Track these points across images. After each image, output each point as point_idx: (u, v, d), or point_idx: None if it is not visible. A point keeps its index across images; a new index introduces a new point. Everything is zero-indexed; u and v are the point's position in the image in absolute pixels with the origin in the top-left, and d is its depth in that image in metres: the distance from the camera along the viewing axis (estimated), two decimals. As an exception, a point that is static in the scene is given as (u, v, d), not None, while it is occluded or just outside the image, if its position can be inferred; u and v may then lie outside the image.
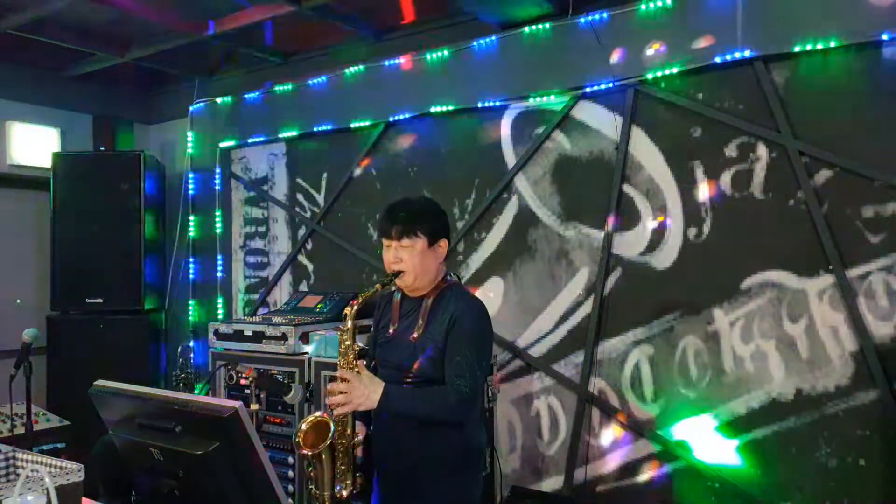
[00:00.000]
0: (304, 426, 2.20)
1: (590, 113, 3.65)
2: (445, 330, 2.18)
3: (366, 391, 2.11)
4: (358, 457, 2.24)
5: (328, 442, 2.16)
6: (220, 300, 5.10)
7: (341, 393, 2.13)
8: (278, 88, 4.75)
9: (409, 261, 2.20)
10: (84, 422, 4.12)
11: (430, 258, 2.24)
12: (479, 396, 2.27)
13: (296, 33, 4.57)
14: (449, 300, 2.24)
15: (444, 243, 2.28)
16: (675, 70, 3.36)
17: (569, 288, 3.69)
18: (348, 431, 2.19)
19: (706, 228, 3.34)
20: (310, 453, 2.16)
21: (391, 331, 2.31)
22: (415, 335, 2.23)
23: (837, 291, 3.01)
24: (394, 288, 2.35)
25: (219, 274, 5.11)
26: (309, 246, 4.71)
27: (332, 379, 2.20)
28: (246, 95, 4.94)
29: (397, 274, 2.21)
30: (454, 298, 2.25)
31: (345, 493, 2.18)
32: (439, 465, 2.22)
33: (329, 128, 4.53)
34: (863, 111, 2.99)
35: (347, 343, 2.18)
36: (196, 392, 4.41)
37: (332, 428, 2.17)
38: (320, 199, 4.65)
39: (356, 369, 2.16)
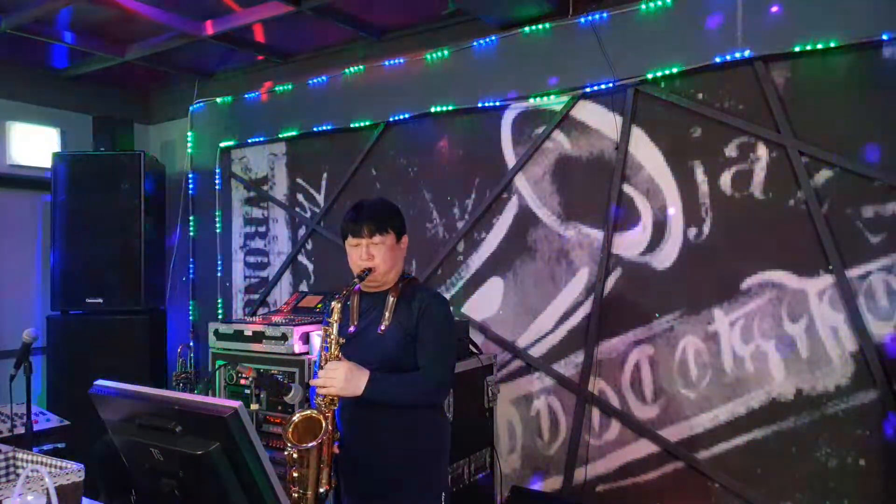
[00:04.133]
0: (294, 419, 2.20)
1: (590, 113, 3.65)
2: (415, 319, 2.28)
3: (352, 375, 2.16)
4: (335, 453, 2.27)
5: (319, 439, 2.16)
6: (220, 300, 5.10)
7: (330, 377, 2.16)
8: (278, 88, 4.75)
9: (380, 257, 2.30)
10: (84, 422, 4.14)
11: (398, 253, 2.37)
12: (451, 381, 2.37)
13: (296, 33, 4.57)
14: (413, 294, 2.35)
15: (405, 239, 2.41)
16: (675, 70, 3.36)
17: (569, 288, 3.69)
18: (330, 428, 2.21)
19: (706, 228, 3.34)
20: (295, 451, 2.15)
21: (351, 328, 2.37)
22: (382, 328, 2.30)
23: (837, 291, 3.01)
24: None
25: (219, 274, 5.11)
26: (309, 246, 4.71)
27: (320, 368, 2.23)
28: (246, 95, 4.94)
29: (370, 270, 2.29)
30: (418, 292, 2.36)
31: (322, 490, 2.20)
32: (404, 458, 2.28)
33: (329, 128, 4.53)
34: (863, 111, 2.99)
35: (333, 336, 2.23)
36: (196, 392, 4.40)
37: (325, 424, 2.18)
38: (320, 199, 4.65)
39: (341, 360, 2.21)
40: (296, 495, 2.18)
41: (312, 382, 2.23)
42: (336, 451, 2.27)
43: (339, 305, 2.25)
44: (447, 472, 2.47)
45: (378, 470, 2.28)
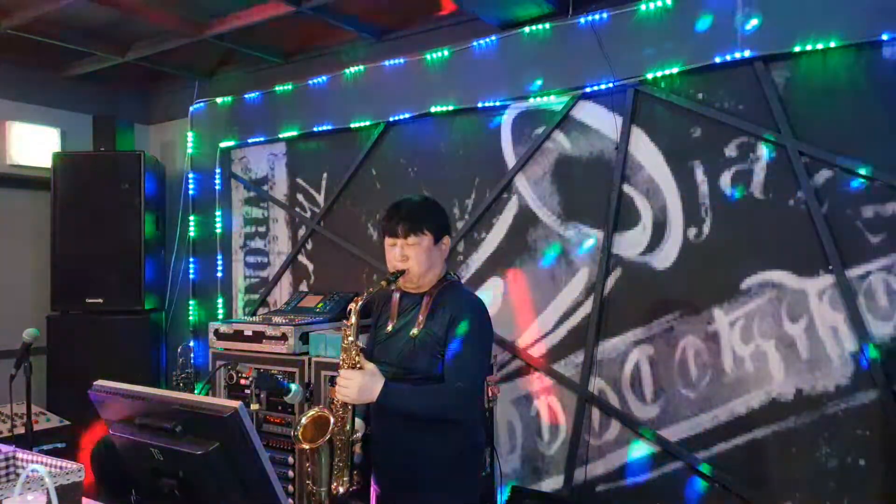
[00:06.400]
0: (304, 420, 2.22)
1: (590, 113, 3.65)
2: (446, 326, 2.20)
3: (366, 385, 2.13)
4: (357, 454, 2.25)
5: (327, 436, 2.17)
6: (220, 300, 5.10)
7: (343, 386, 2.15)
8: (278, 88, 4.75)
9: (414, 258, 2.23)
10: (84, 422, 4.14)
11: (436, 255, 2.28)
12: (478, 394, 2.29)
13: (296, 33, 4.57)
14: (449, 297, 2.27)
15: (447, 240, 2.32)
16: (675, 70, 3.36)
17: (569, 288, 3.69)
18: (347, 427, 2.20)
19: (706, 228, 3.34)
20: (308, 447, 2.17)
21: (389, 327, 2.33)
22: (414, 331, 2.24)
23: (837, 291, 3.01)
24: (393, 287, 2.35)
25: (219, 274, 5.11)
26: (309, 246, 4.71)
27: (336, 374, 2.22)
28: (246, 95, 4.94)
29: (402, 272, 2.23)
30: (455, 296, 2.27)
31: (341, 490, 2.19)
32: (437, 464, 2.23)
33: (329, 128, 4.52)
34: (863, 111, 2.99)
35: (350, 339, 2.19)
36: (196, 392, 4.40)
37: (332, 422, 2.18)
38: (320, 199, 4.65)
39: (359, 364, 2.17)
40: (313, 487, 2.19)
41: (332, 392, 2.22)
42: (357, 450, 2.25)
43: (356, 307, 2.20)
44: (476, 482, 2.39)
45: (404, 473, 2.26)
